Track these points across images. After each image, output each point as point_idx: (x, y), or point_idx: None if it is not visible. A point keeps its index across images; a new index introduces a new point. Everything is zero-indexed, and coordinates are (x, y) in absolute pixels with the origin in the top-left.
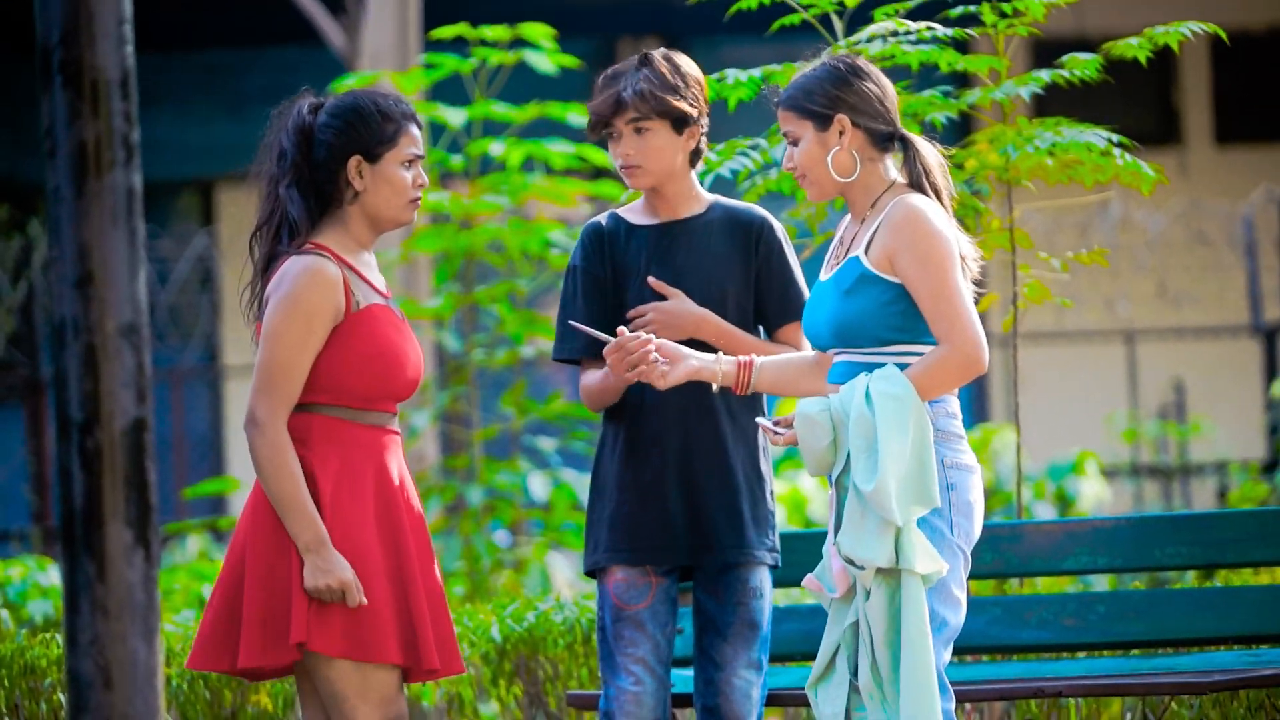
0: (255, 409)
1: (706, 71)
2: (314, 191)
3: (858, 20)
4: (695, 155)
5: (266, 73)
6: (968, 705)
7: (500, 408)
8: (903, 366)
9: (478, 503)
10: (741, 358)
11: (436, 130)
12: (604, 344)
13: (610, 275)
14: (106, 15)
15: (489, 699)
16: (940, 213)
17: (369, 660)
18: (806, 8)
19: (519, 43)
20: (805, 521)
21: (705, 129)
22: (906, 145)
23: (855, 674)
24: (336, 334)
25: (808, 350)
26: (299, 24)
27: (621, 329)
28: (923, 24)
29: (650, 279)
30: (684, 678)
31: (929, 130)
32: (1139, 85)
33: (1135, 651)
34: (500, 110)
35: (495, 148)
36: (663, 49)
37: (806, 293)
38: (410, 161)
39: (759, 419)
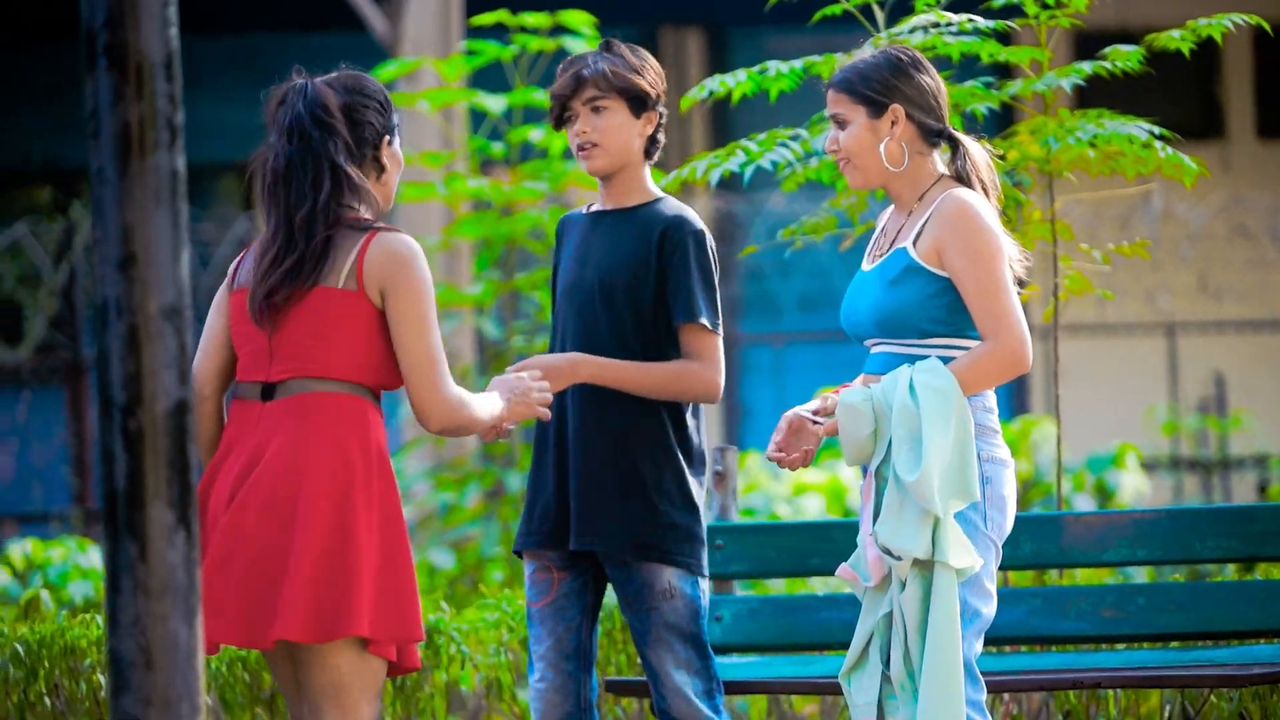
0: (444, 400)
1: (748, 63)
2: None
3: (899, 11)
4: (652, 146)
5: (309, 58)
6: (1006, 695)
7: None
8: (945, 360)
9: (517, 489)
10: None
11: (477, 117)
12: None
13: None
14: None
15: (527, 684)
16: (990, 209)
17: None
18: None
19: (559, 30)
20: (844, 511)
21: (663, 120)
22: (955, 143)
23: (888, 664)
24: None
25: (693, 360)
26: (342, 9)
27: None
28: (964, 16)
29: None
30: (724, 665)
31: (970, 121)
32: (1181, 78)
33: (1174, 644)
34: (541, 97)
35: (535, 134)
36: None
37: (700, 294)
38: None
39: (797, 410)
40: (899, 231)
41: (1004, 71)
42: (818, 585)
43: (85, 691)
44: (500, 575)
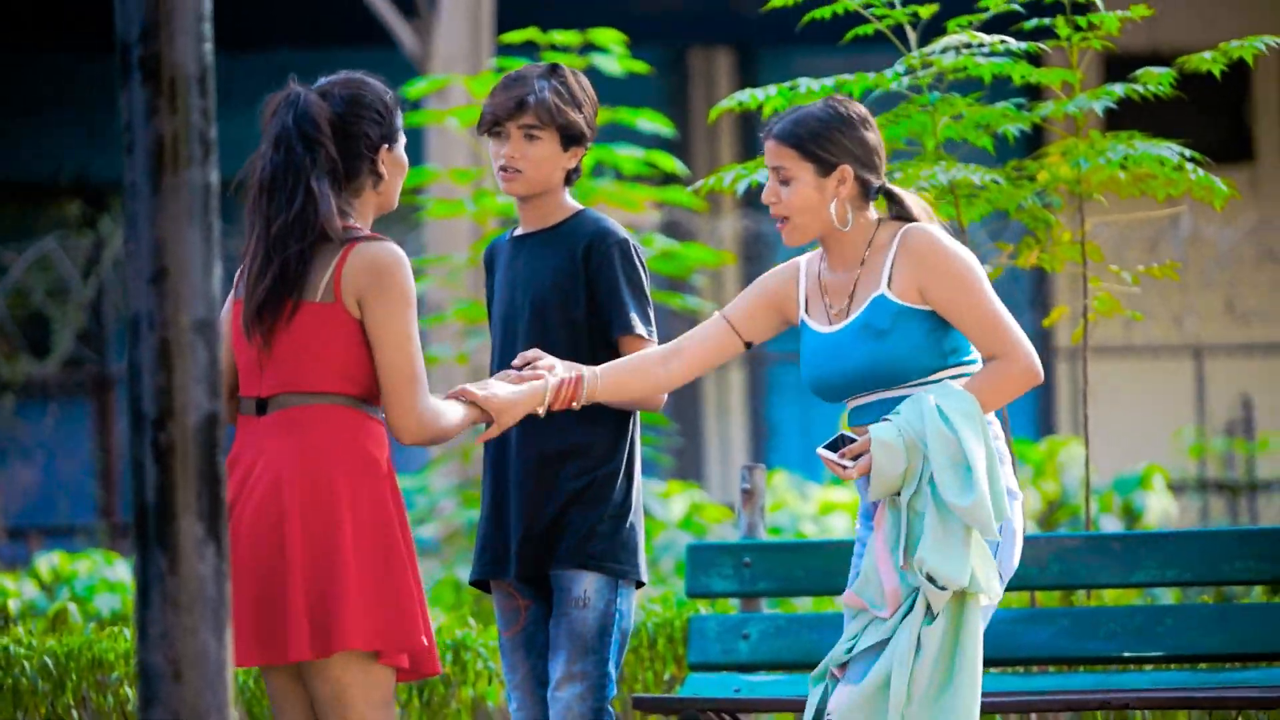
0: (417, 415)
1: (779, 80)
2: (335, 181)
3: (930, 32)
4: (572, 174)
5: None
6: (1034, 716)
7: None
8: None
9: None
10: (567, 375)
11: None
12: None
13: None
14: (186, 11)
15: None
16: (948, 234)
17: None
18: (880, 18)
19: (589, 48)
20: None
21: (586, 151)
22: (892, 195)
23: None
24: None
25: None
26: (372, 26)
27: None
28: (996, 37)
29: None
30: (751, 683)
31: (1000, 142)
32: (1212, 101)
33: (1203, 665)
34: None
35: None
36: (570, 68)
37: (632, 304)
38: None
39: (820, 449)
40: (855, 285)
41: (1035, 93)
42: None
43: (112, 704)
44: None
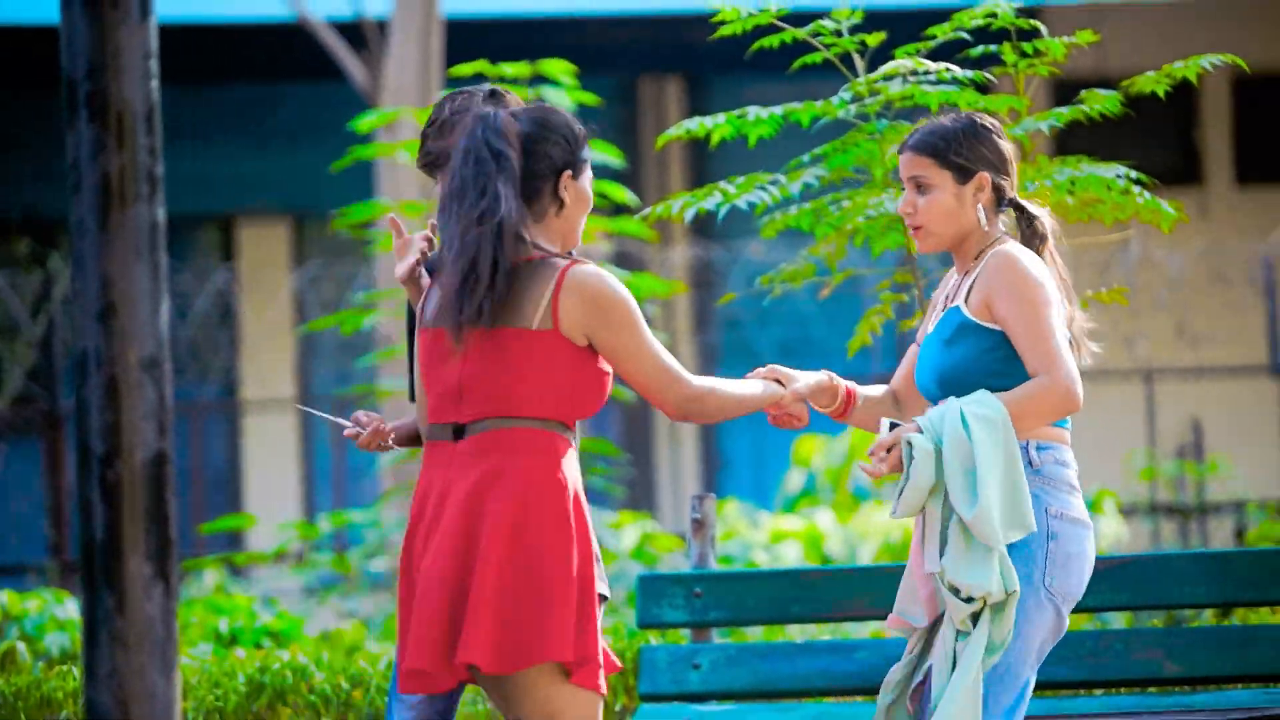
0: (680, 394)
1: (728, 108)
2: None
3: (879, 60)
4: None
5: (289, 108)
6: None
7: None
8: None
9: None
10: (848, 386)
11: None
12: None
13: None
14: (133, 49)
15: None
16: (1038, 263)
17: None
18: (828, 46)
19: (539, 79)
20: (822, 558)
21: None
22: (1021, 209)
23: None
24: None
25: None
26: (322, 60)
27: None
28: (942, 65)
29: None
30: (702, 713)
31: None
32: (1160, 126)
33: (1153, 689)
34: None
35: None
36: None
37: None
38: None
39: (858, 463)
40: (954, 293)
41: None
42: (796, 633)
43: None
44: None
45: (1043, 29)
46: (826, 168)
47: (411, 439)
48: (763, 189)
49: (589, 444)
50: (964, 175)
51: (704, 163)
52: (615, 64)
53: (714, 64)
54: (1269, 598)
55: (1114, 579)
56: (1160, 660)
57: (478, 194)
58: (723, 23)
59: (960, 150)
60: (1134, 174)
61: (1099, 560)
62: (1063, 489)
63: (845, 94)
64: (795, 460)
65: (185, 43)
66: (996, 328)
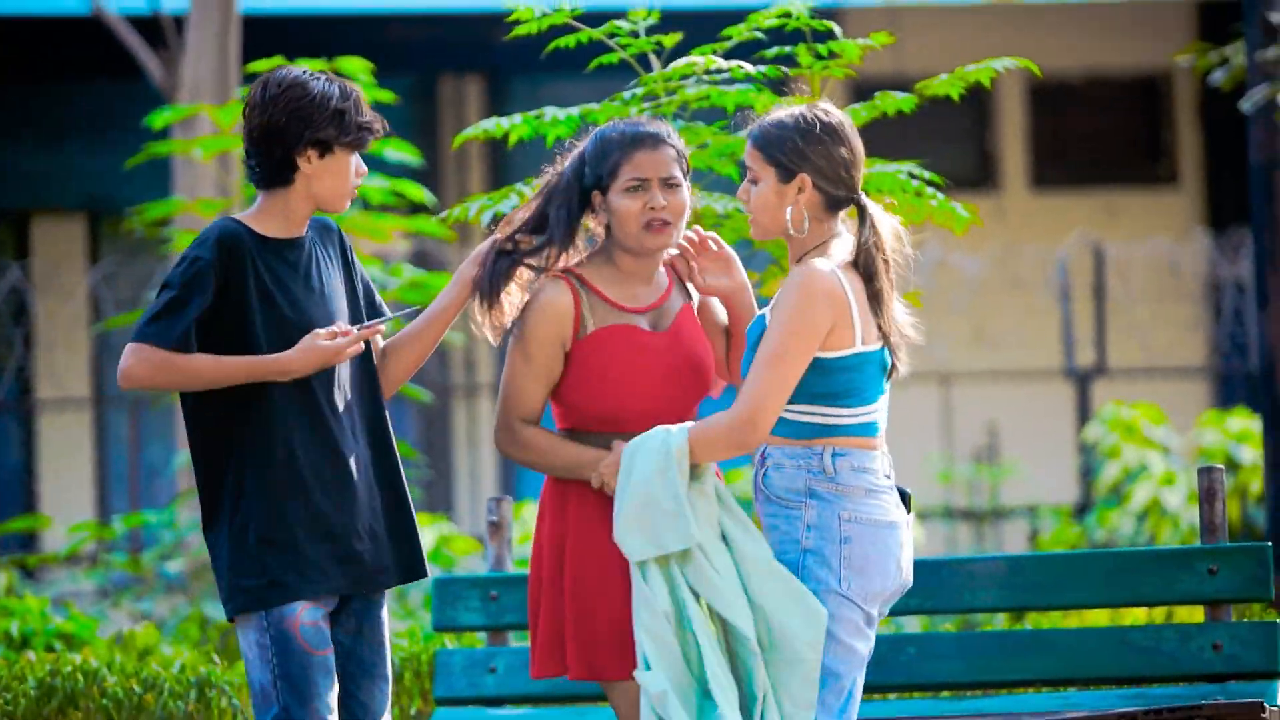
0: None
1: (526, 109)
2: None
3: (675, 61)
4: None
5: (85, 105)
6: None
7: None
8: (802, 425)
9: None
10: None
11: None
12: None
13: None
14: None
15: None
16: (833, 291)
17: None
18: (624, 47)
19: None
20: None
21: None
22: (863, 212)
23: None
24: (570, 358)
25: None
26: (119, 56)
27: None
28: (735, 62)
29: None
30: (498, 717)
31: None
32: (957, 130)
33: (945, 693)
34: None
35: None
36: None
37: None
38: (631, 188)
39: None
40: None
41: None
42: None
43: None
44: None
45: (838, 30)
46: None
47: None
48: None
49: None
50: (786, 174)
51: (503, 162)
52: (414, 62)
53: (514, 63)
54: (1061, 602)
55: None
56: (953, 665)
57: (549, 220)
58: (518, 22)
59: (785, 149)
60: (926, 174)
61: None
62: (857, 495)
63: (637, 89)
64: None
65: None
66: None
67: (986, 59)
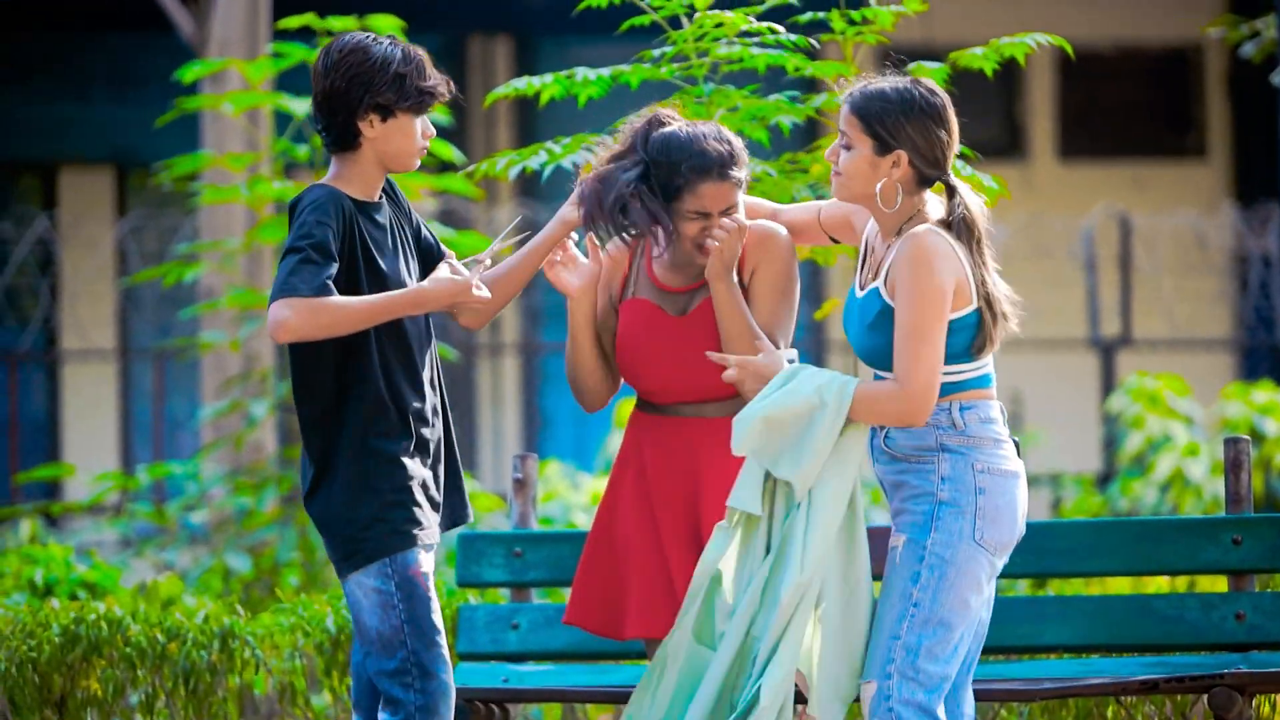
0: None
1: (556, 69)
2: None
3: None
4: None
5: (113, 57)
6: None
7: None
8: None
9: None
10: None
11: (282, 120)
12: None
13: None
14: None
15: (321, 690)
16: (948, 254)
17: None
18: (656, 9)
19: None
20: None
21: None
22: (953, 191)
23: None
24: (617, 315)
25: None
26: (149, 9)
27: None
28: (768, 25)
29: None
30: (520, 673)
31: (775, 134)
32: (985, 99)
33: None
34: None
35: None
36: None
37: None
38: (692, 218)
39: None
40: (880, 263)
41: (810, 86)
42: None
43: None
44: (296, 580)
45: None
46: None
47: None
48: (589, 150)
49: None
50: (883, 148)
51: (533, 123)
52: (444, 22)
53: (543, 24)
54: (1083, 570)
55: None
56: None
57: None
58: None
59: (886, 123)
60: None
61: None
62: (987, 445)
63: (669, 48)
64: (617, 422)
65: None
66: None
67: (1016, 28)
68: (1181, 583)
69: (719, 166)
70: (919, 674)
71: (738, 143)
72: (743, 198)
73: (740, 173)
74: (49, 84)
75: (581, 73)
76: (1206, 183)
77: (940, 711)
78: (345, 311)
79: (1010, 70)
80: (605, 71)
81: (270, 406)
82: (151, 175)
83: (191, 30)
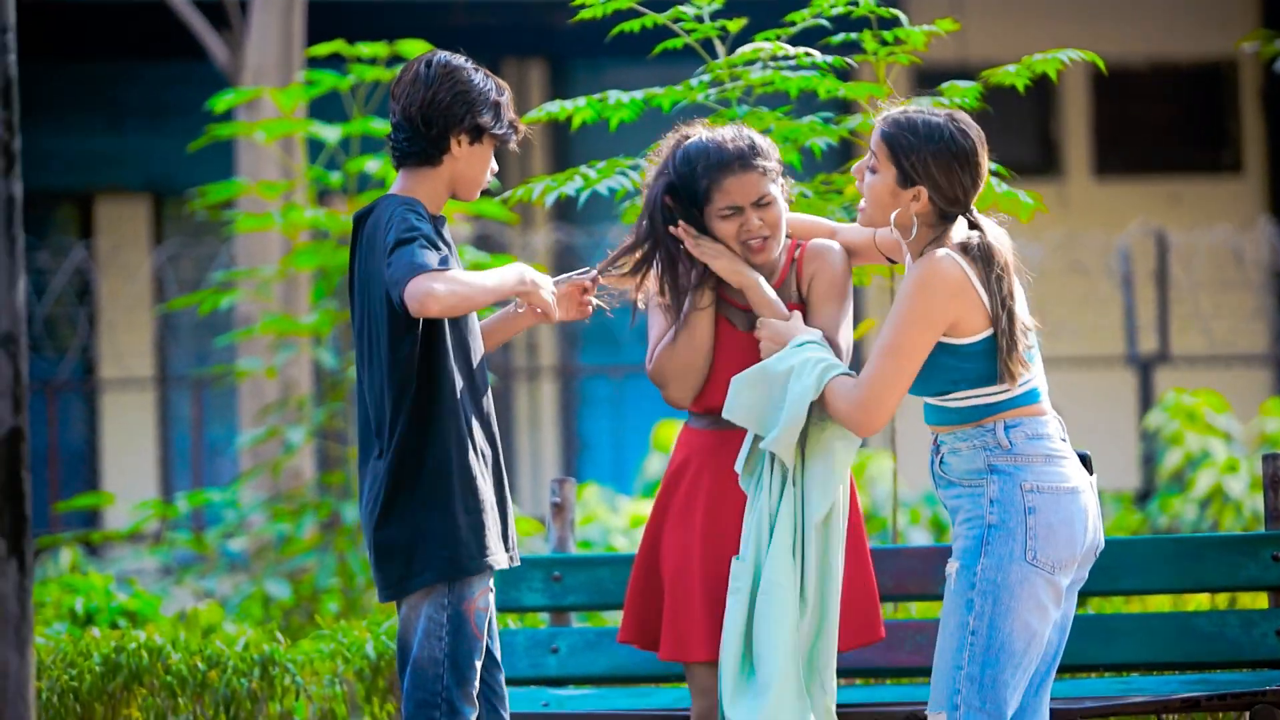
0: None
1: (590, 92)
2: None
3: (740, 46)
4: None
5: (149, 86)
6: None
7: None
8: (972, 410)
9: (352, 520)
10: None
11: (315, 147)
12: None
13: None
14: None
15: (362, 715)
16: (958, 280)
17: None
18: (689, 32)
19: (396, 60)
20: None
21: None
22: (974, 226)
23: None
24: None
25: None
26: (183, 38)
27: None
28: (801, 49)
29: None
30: (560, 697)
31: (808, 156)
32: (1020, 117)
33: None
34: (378, 127)
35: (372, 165)
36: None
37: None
38: (725, 216)
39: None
40: None
41: (843, 107)
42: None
43: None
44: (335, 606)
45: (903, 17)
46: None
47: None
48: (623, 174)
49: None
50: (905, 180)
51: (566, 146)
52: (477, 47)
53: (576, 48)
54: (1123, 588)
55: None
56: None
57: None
58: (582, 6)
59: (911, 157)
60: (992, 165)
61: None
62: (1037, 462)
63: (704, 75)
64: (655, 445)
65: (45, 17)
66: (943, 338)
67: (1050, 46)
68: (1222, 599)
69: (738, 158)
70: (985, 703)
71: (760, 137)
72: (784, 206)
73: (765, 162)
74: (85, 114)
75: (614, 96)
76: (1242, 198)
77: None
78: (478, 283)
79: (1044, 88)
80: (638, 94)
81: (308, 433)
82: (187, 203)
83: (226, 59)
